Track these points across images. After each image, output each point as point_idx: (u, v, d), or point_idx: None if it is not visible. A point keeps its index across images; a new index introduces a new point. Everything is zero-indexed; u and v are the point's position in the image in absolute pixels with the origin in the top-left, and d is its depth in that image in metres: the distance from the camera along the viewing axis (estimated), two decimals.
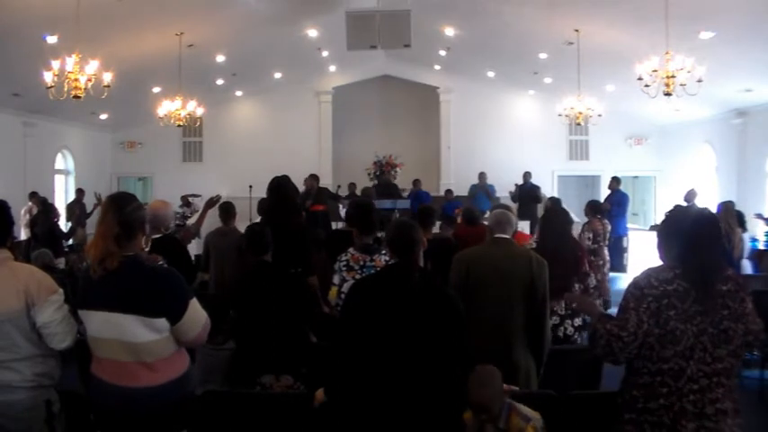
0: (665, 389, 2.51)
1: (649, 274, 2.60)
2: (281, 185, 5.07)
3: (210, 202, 5.80)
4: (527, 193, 12.74)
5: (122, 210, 2.64)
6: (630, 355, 2.54)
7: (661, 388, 2.51)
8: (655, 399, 2.53)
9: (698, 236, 2.57)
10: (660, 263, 2.66)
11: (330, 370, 2.86)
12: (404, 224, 3.02)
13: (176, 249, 4.65)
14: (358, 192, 12.37)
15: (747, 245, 7.36)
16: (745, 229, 7.14)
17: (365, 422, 2.69)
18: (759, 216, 9.94)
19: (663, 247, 2.68)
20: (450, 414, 2.70)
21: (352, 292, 2.93)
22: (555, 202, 8.63)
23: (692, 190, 10.36)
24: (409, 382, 2.65)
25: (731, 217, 6.49)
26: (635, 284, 2.59)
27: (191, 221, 11.69)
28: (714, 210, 7.04)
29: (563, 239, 4.81)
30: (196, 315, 2.73)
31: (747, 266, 7.00)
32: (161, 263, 3.26)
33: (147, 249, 4.84)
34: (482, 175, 13.66)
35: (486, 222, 4.16)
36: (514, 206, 10.24)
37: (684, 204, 9.81)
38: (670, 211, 2.75)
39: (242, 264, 5.99)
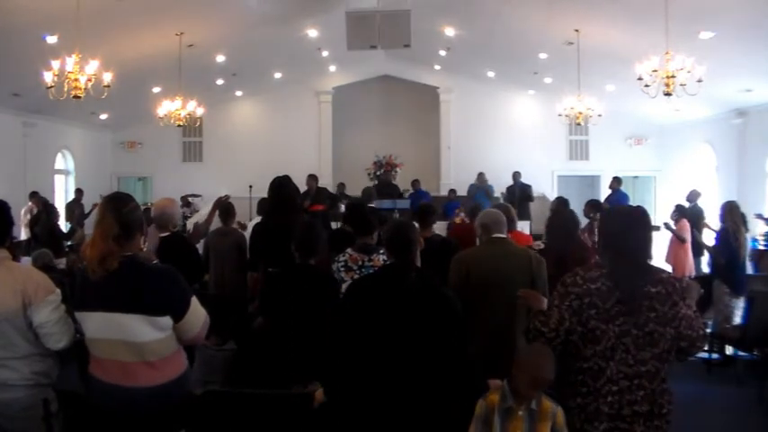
0: (585, 388, 2.49)
1: (577, 272, 2.58)
2: (281, 185, 5.07)
3: (219, 202, 5.83)
4: (521, 193, 12.77)
5: (121, 210, 2.64)
6: (555, 351, 2.52)
7: (581, 387, 2.50)
8: (573, 398, 2.52)
9: (624, 235, 2.54)
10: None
11: (328, 371, 2.85)
12: (401, 224, 3.03)
13: (184, 248, 4.64)
14: (351, 192, 12.38)
15: (748, 245, 7.34)
16: (747, 229, 7.14)
17: (363, 421, 2.69)
18: (759, 216, 9.93)
19: (600, 245, 2.68)
20: (446, 413, 2.70)
21: (349, 292, 2.93)
22: (562, 202, 8.60)
23: (695, 190, 10.35)
24: (406, 382, 2.64)
25: (736, 216, 6.47)
26: (562, 282, 2.57)
27: (191, 221, 11.72)
28: (715, 210, 7.05)
29: (570, 240, 4.81)
30: (197, 312, 2.74)
31: (747, 267, 6.98)
32: (155, 262, 3.26)
33: (145, 249, 4.85)
34: (481, 176, 13.66)
35: (478, 221, 4.11)
36: (513, 207, 10.20)
37: (686, 204, 9.83)
38: (607, 209, 2.75)
39: (240, 266, 6.00)
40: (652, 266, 2.60)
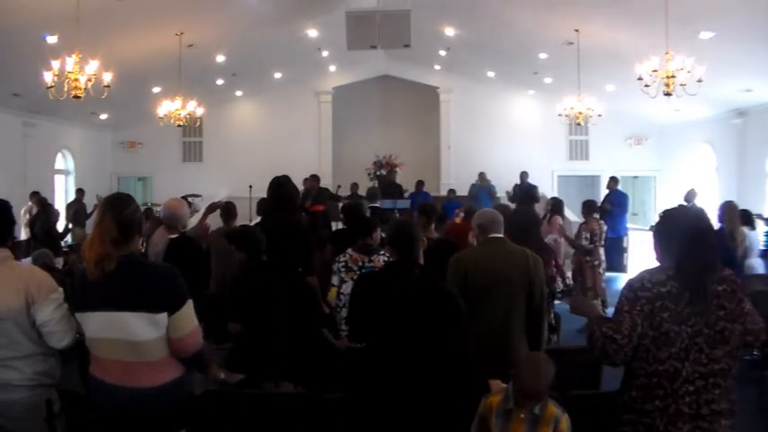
0: (661, 390, 2.50)
1: (643, 275, 2.59)
2: (280, 185, 5.07)
3: (212, 207, 5.82)
4: (524, 193, 12.74)
5: (121, 212, 2.63)
6: (627, 357, 2.53)
7: (657, 389, 2.51)
8: (651, 400, 2.52)
9: (690, 236, 2.55)
10: (657, 264, 2.65)
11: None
12: (403, 223, 3.06)
13: (193, 250, 4.64)
14: (361, 191, 12.35)
15: (761, 243, 7.32)
16: (753, 227, 7.13)
17: (367, 416, 2.70)
18: (759, 217, 9.93)
19: (658, 247, 2.68)
20: (447, 409, 2.71)
21: (356, 286, 3.00)
22: (556, 202, 8.63)
23: (692, 190, 10.36)
24: (408, 378, 2.67)
25: (734, 216, 6.47)
26: (629, 287, 2.58)
27: (191, 221, 11.70)
28: (715, 210, 7.04)
29: (525, 242, 4.74)
30: (190, 312, 2.69)
31: (760, 265, 6.94)
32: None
33: (143, 249, 4.85)
34: (482, 175, 13.65)
35: (475, 221, 4.11)
36: (512, 207, 10.22)
37: (684, 204, 9.83)
38: (664, 212, 2.74)
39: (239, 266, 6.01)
40: (717, 265, 2.62)
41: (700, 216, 2.66)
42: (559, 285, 5.03)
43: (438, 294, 2.81)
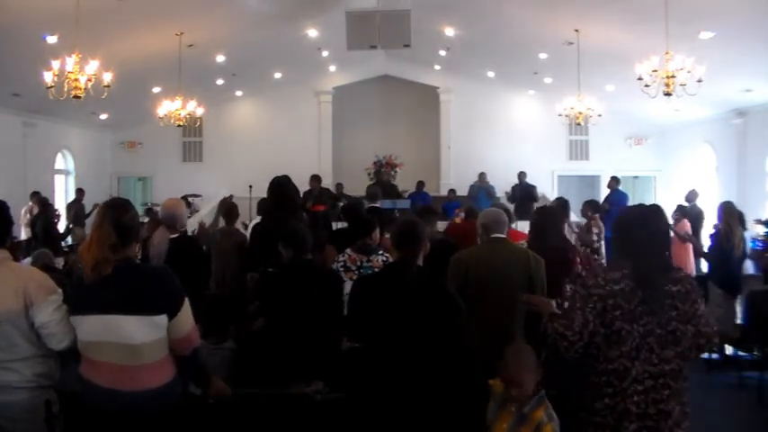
0: (611, 389, 2.50)
1: (597, 273, 2.59)
2: (280, 185, 5.07)
3: (225, 203, 5.82)
4: (524, 193, 12.77)
5: (120, 217, 2.65)
6: (577, 353, 2.53)
7: (606, 388, 2.51)
8: (600, 398, 2.52)
9: (645, 235, 2.54)
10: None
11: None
12: (409, 221, 3.04)
13: (194, 250, 4.65)
14: (352, 192, 12.37)
15: (749, 245, 7.34)
16: (745, 229, 7.14)
17: (367, 417, 2.70)
18: (758, 221, 9.92)
19: (617, 245, 2.68)
20: (447, 409, 2.71)
21: (355, 287, 2.98)
22: (562, 202, 8.62)
23: (693, 190, 10.36)
24: (408, 378, 2.67)
25: (732, 217, 6.47)
26: (582, 283, 2.58)
27: (191, 221, 11.71)
28: (714, 210, 7.05)
29: (550, 240, 4.74)
30: (188, 312, 2.74)
31: (749, 266, 6.97)
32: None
33: (146, 251, 4.84)
34: (482, 175, 13.65)
35: (478, 221, 4.12)
36: (511, 207, 10.24)
37: (686, 204, 9.83)
38: (622, 210, 2.74)
39: (242, 266, 6.01)
40: (671, 265, 2.62)
41: (655, 215, 2.63)
42: None
43: (435, 294, 2.80)
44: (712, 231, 6.83)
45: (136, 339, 2.57)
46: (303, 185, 12.20)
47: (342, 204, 9.57)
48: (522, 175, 13.13)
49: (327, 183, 15.05)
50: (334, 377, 3.44)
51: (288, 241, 3.84)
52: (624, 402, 2.47)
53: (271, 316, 3.79)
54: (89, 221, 10.98)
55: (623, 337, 2.46)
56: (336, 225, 9.89)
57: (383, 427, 2.72)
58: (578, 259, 5.32)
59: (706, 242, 7.60)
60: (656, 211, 2.66)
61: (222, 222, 6.86)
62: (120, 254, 2.62)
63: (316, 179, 10.96)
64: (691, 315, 2.49)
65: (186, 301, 2.72)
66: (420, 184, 13.62)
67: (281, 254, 3.87)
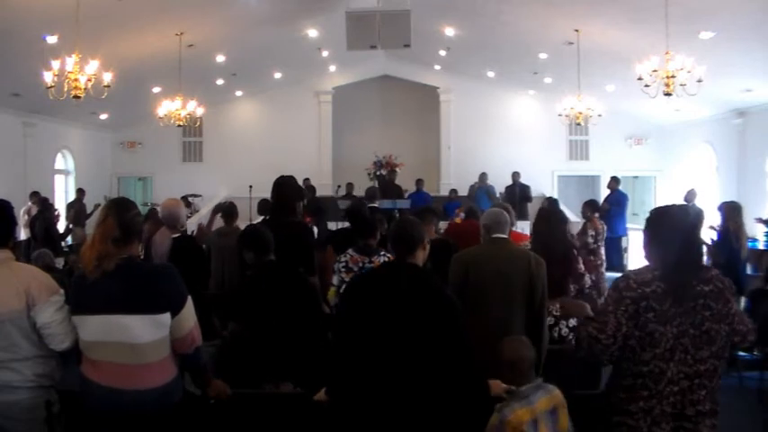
0: (646, 391, 2.49)
1: (628, 275, 2.58)
2: (280, 186, 5.04)
3: (219, 207, 5.83)
4: (518, 194, 12.77)
5: (123, 214, 2.67)
6: (612, 357, 2.53)
7: (642, 390, 2.49)
8: (635, 401, 2.51)
9: (677, 236, 2.53)
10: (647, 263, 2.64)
11: (330, 369, 2.84)
12: (406, 221, 2.98)
13: (194, 249, 4.66)
14: (357, 192, 12.31)
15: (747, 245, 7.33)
16: None
17: (363, 421, 2.67)
18: (759, 220, 9.92)
19: (647, 247, 2.67)
20: (449, 414, 2.67)
21: (346, 290, 2.94)
22: (552, 202, 8.64)
23: (692, 190, 10.36)
24: (404, 381, 2.59)
25: (738, 215, 6.47)
26: (614, 287, 2.57)
27: (191, 221, 11.71)
28: (715, 210, 7.04)
29: (554, 240, 4.75)
30: (191, 310, 2.75)
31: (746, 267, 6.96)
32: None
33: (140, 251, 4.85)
34: (483, 176, 13.66)
35: (480, 221, 4.12)
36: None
37: (684, 203, 9.81)
38: (654, 210, 2.72)
39: (240, 265, 6.01)
40: (703, 265, 2.60)
41: (687, 215, 2.62)
42: (588, 282, 5.08)
43: (427, 295, 2.68)
44: (718, 230, 6.81)
45: (140, 339, 2.58)
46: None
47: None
48: (515, 175, 13.13)
49: (327, 183, 15.10)
50: (311, 377, 3.41)
51: (247, 244, 3.82)
52: (660, 404, 2.46)
53: (243, 319, 3.77)
54: (89, 221, 10.99)
55: (657, 339, 2.45)
56: (337, 225, 9.79)
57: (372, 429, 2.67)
58: (581, 258, 5.33)
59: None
60: (686, 210, 2.66)
61: (221, 223, 6.85)
62: (123, 251, 2.62)
63: (310, 189, 10.75)
64: (724, 314, 2.48)
65: (189, 299, 2.73)
66: (419, 182, 13.61)
67: (281, 256, 3.86)
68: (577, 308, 2.88)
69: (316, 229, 8.56)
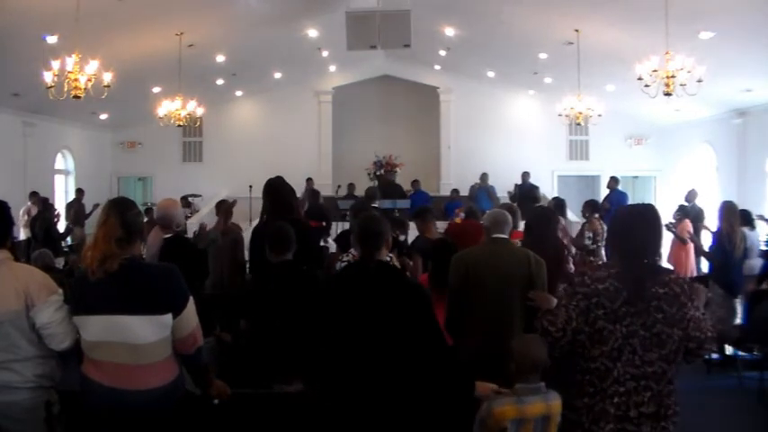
0: (591, 388, 2.49)
1: (585, 272, 2.60)
2: (274, 187, 5.01)
3: (224, 205, 5.82)
4: (526, 193, 12.75)
5: (125, 213, 2.67)
6: (563, 350, 2.53)
7: (587, 387, 2.50)
8: (580, 397, 2.52)
9: (631, 234, 2.53)
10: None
11: (313, 369, 2.89)
12: (369, 218, 3.00)
13: (188, 249, 4.63)
14: (358, 192, 12.30)
15: (750, 244, 7.30)
16: (753, 228, 7.11)
17: (347, 417, 2.69)
18: (760, 217, 9.91)
19: (606, 245, 2.68)
20: (428, 405, 2.70)
21: (320, 292, 2.97)
22: (558, 202, 8.62)
23: (693, 190, 10.35)
24: (380, 376, 2.63)
25: (733, 217, 6.45)
26: (569, 281, 2.59)
27: (191, 222, 11.71)
28: (715, 210, 7.03)
29: (543, 239, 4.73)
30: (193, 310, 2.75)
31: (760, 265, 6.91)
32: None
33: (144, 251, 4.84)
34: (484, 176, 13.64)
35: (482, 222, 4.13)
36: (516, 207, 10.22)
37: (686, 204, 9.80)
38: (615, 210, 2.73)
39: (237, 263, 6.00)
40: (660, 267, 2.58)
41: (646, 215, 2.60)
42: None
43: (395, 286, 2.74)
44: (714, 231, 6.81)
45: (142, 339, 2.57)
46: (302, 186, 12.23)
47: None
48: (525, 175, 13.10)
49: (327, 183, 15.09)
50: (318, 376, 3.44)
51: (269, 242, 3.85)
52: (603, 402, 2.46)
53: (253, 317, 3.79)
54: (89, 221, 10.98)
55: (605, 337, 2.45)
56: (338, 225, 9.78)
57: (354, 427, 2.69)
58: (570, 259, 5.32)
59: (706, 242, 7.58)
60: (647, 211, 2.63)
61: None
62: (126, 251, 2.62)
63: (314, 195, 10.62)
64: (678, 318, 2.46)
65: (191, 300, 2.73)
66: (415, 183, 13.59)
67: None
68: (543, 300, 2.89)
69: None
